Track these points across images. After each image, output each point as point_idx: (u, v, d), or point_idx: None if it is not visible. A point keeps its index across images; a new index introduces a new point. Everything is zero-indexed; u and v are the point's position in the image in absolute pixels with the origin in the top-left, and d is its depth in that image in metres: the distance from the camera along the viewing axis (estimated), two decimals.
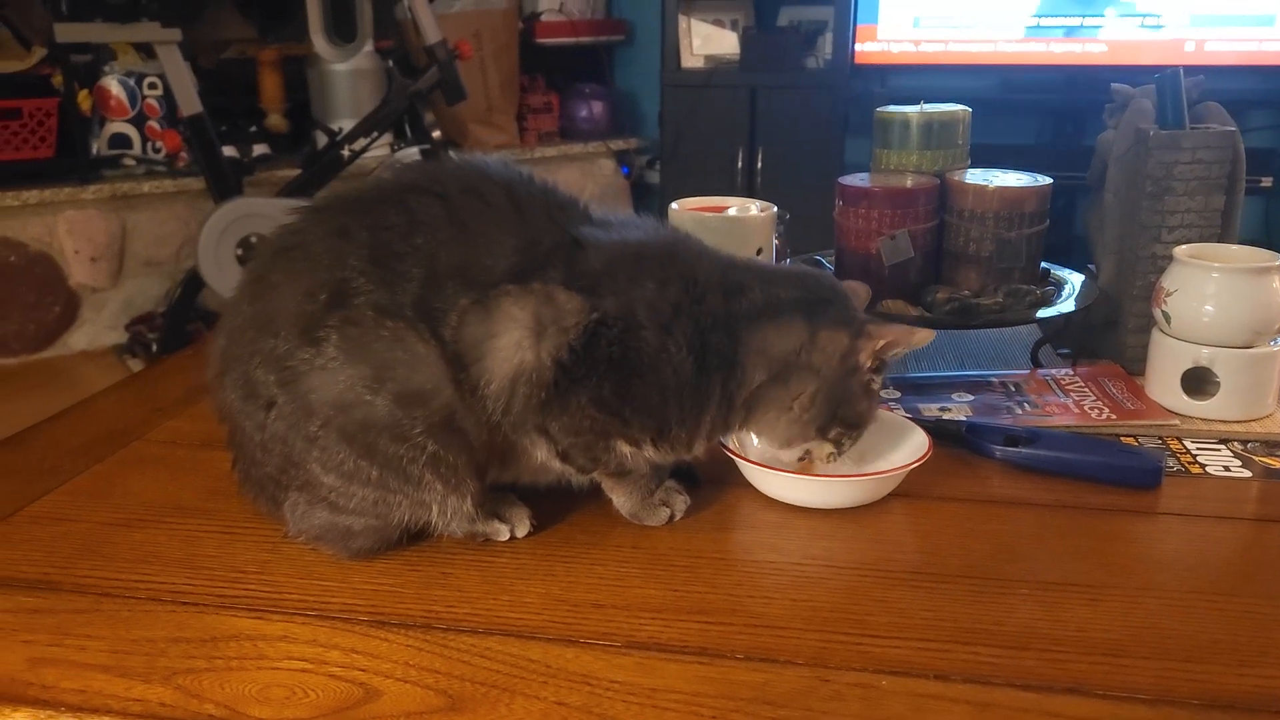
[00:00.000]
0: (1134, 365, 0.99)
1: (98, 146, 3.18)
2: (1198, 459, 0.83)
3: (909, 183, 1.03)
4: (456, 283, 0.65)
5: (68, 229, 2.99)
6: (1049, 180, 1.02)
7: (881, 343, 0.70)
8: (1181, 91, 0.96)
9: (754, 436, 0.81)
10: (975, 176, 1.04)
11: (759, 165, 3.35)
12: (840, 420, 0.71)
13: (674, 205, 1.00)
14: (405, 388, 0.64)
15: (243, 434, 0.69)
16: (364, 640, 0.60)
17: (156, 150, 3.23)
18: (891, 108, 1.08)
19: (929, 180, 1.03)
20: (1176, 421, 0.88)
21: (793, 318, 0.70)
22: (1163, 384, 0.92)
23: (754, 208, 1.00)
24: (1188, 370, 0.90)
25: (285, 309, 0.66)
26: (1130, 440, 0.87)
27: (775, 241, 1.03)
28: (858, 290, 0.79)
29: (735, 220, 0.98)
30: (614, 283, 0.67)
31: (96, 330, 3.10)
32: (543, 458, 0.69)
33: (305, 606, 0.63)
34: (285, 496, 0.69)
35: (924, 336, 0.72)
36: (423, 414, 0.65)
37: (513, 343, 0.64)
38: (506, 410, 0.66)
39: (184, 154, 3.19)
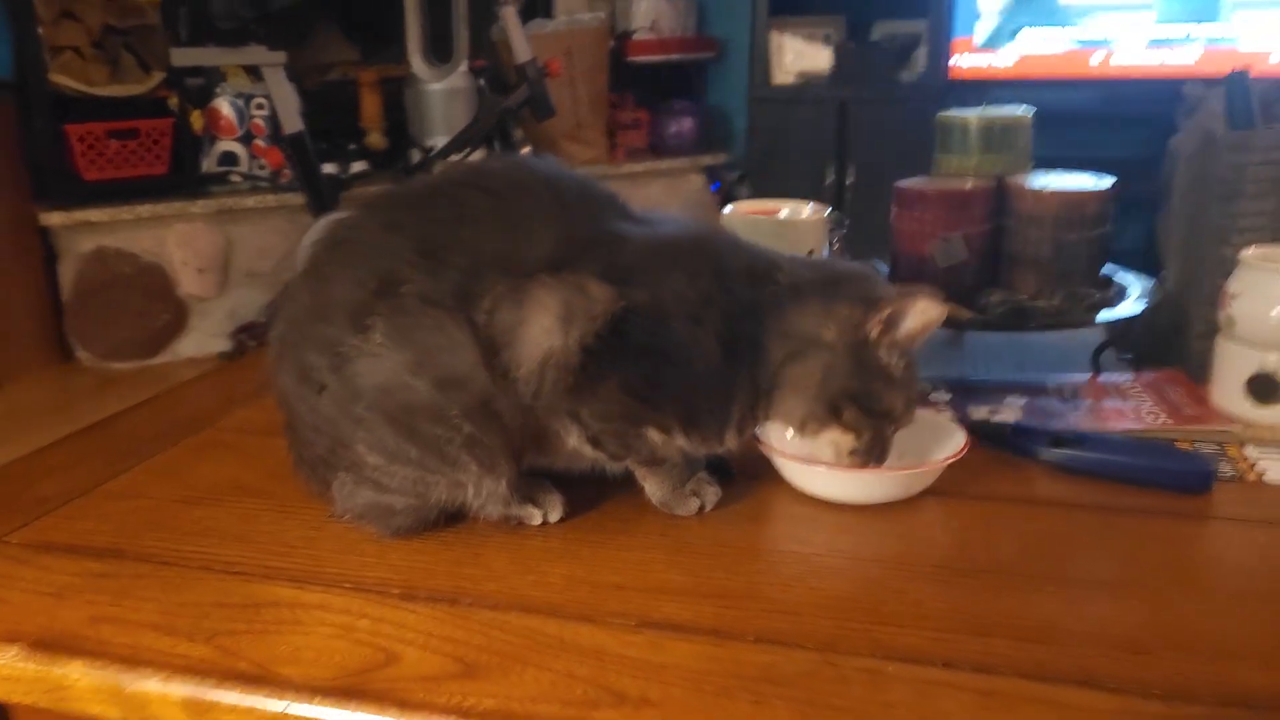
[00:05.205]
0: (1200, 372, 0.95)
1: (207, 164, 3.35)
2: (1256, 466, 0.80)
3: (964, 185, 1.02)
4: (496, 272, 0.68)
5: (177, 241, 3.16)
6: (1111, 182, 1.00)
7: (887, 310, 0.69)
8: (1250, 91, 0.94)
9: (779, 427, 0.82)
10: (1035, 180, 1.02)
11: (848, 179, 3.33)
12: (853, 400, 0.70)
13: (727, 208, 1.02)
14: (445, 373, 0.67)
15: (297, 417, 0.73)
16: (393, 611, 0.63)
17: (261, 167, 3.39)
18: (952, 111, 1.08)
19: (983, 183, 1.02)
20: (1236, 427, 0.86)
21: (810, 297, 0.70)
22: (1227, 390, 0.89)
23: (806, 210, 1.00)
24: (1252, 375, 0.87)
25: (338, 298, 0.70)
26: (1186, 446, 0.84)
27: (831, 245, 1.03)
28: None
29: (786, 223, 0.99)
30: (646, 275, 0.69)
31: (203, 338, 3.26)
32: (574, 443, 0.71)
33: (343, 578, 0.67)
34: (334, 477, 0.73)
35: (929, 307, 0.69)
36: (460, 398, 0.68)
37: (542, 329, 0.67)
38: (537, 394, 0.68)
39: (286, 170, 3.34)
